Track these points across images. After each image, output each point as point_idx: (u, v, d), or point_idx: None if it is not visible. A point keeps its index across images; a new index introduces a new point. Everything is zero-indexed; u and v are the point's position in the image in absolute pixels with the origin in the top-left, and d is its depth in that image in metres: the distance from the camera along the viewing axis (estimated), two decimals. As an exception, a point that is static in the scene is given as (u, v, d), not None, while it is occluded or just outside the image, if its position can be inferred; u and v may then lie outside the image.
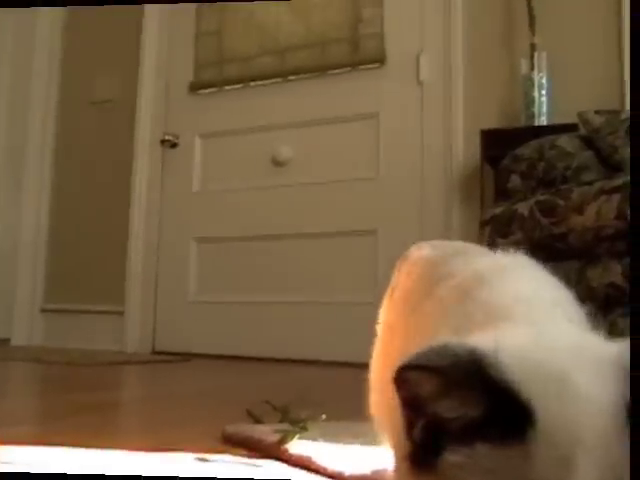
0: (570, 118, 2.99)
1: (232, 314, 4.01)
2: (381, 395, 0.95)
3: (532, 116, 3.17)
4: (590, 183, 2.86)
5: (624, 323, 2.25)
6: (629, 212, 2.59)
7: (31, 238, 4.79)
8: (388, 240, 3.50)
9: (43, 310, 4.85)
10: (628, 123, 2.97)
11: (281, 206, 3.88)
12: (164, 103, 4.35)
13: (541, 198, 2.93)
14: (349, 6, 3.69)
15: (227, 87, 4.09)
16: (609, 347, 0.69)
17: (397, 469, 0.73)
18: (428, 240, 1.12)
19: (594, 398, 0.62)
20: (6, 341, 4.80)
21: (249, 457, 1.30)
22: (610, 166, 3.00)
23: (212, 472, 1.22)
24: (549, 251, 2.67)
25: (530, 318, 0.79)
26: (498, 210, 3.09)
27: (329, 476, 1.18)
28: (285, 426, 1.39)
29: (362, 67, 3.66)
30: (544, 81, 3.17)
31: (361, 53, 3.67)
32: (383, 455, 0.93)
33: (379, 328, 1.03)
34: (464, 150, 3.37)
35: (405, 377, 0.62)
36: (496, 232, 2.96)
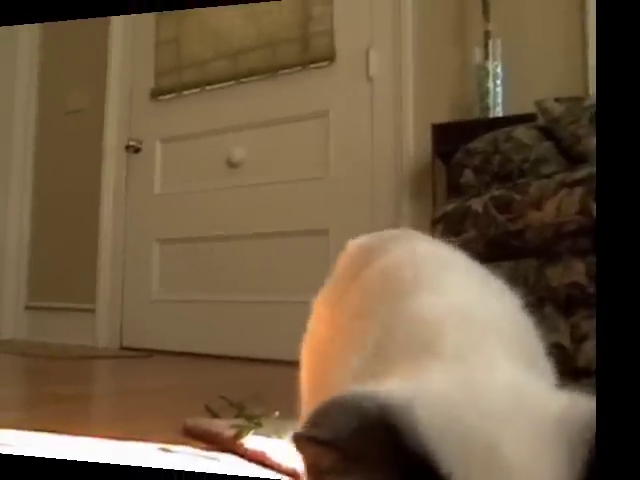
0: (528, 108, 2.13)
1: (192, 312, 3.18)
2: (309, 396, 0.67)
3: (487, 108, 2.30)
4: (549, 176, 2.05)
5: (588, 326, 1.68)
6: (594, 206, 1.82)
7: (16, 241, 4.08)
8: (339, 239, 2.61)
9: (27, 307, 4.12)
10: (593, 110, 2.12)
11: (236, 207, 3.03)
12: (128, 110, 3.49)
13: (496, 193, 2.11)
14: (299, 5, 2.81)
15: (185, 92, 3.22)
16: (554, 400, 0.42)
17: None
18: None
19: (529, 474, 0.37)
20: None
21: (208, 450, 1.14)
22: (571, 157, 2.15)
23: (173, 463, 1.04)
24: (505, 249, 1.99)
25: (460, 348, 0.47)
26: (450, 207, 2.27)
27: (283, 472, 0.99)
28: (241, 421, 1.20)
29: (313, 65, 2.78)
30: (499, 70, 2.30)
31: (311, 51, 2.79)
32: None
33: (309, 321, 0.72)
34: (415, 146, 2.50)
35: (301, 448, 0.40)
36: (448, 230, 2.19)
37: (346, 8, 2.69)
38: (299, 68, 2.80)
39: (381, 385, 0.44)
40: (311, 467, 0.43)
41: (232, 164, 3.03)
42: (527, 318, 0.58)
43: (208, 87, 3.12)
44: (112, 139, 3.52)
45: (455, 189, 2.40)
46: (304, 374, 0.74)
